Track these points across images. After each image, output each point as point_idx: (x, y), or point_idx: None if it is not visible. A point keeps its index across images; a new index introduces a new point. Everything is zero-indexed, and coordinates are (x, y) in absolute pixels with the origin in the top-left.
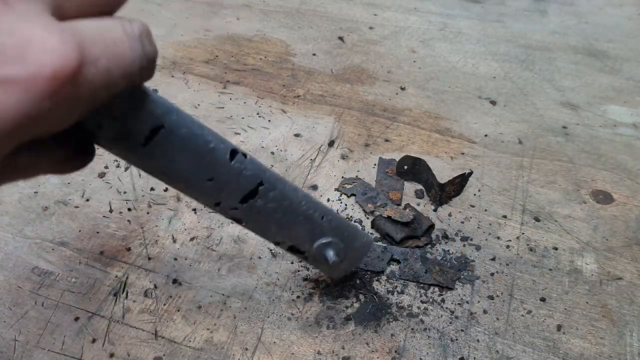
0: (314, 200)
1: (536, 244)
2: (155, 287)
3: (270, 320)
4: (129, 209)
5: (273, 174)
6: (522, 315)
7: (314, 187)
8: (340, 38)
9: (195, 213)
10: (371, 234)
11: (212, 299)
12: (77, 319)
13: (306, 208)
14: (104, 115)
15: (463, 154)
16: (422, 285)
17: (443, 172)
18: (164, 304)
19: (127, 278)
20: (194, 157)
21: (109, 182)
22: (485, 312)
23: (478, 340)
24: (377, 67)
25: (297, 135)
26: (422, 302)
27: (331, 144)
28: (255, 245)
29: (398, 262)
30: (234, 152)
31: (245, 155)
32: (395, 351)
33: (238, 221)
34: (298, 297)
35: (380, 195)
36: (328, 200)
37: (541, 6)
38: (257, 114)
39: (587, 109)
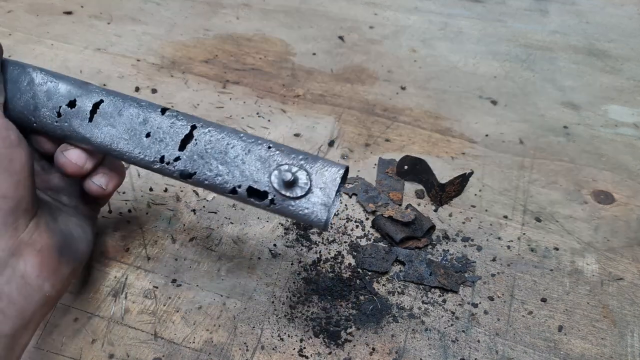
0: (253, 135)
1: (537, 244)
2: (155, 287)
3: (270, 321)
4: (129, 210)
5: (206, 120)
6: (523, 316)
7: None
8: (341, 37)
9: (195, 213)
10: (371, 234)
11: (211, 300)
12: (76, 319)
13: (246, 138)
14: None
15: (464, 153)
16: (422, 286)
17: (444, 172)
18: (164, 305)
19: (126, 279)
20: (131, 118)
21: None
22: (486, 312)
23: (479, 341)
24: (378, 67)
25: (297, 135)
26: (422, 302)
27: (331, 143)
28: (255, 245)
29: (403, 263)
30: (165, 109)
31: (176, 110)
32: (396, 352)
33: (187, 176)
34: (298, 297)
35: (381, 195)
36: None
37: (542, 6)
38: (257, 113)
39: (588, 108)
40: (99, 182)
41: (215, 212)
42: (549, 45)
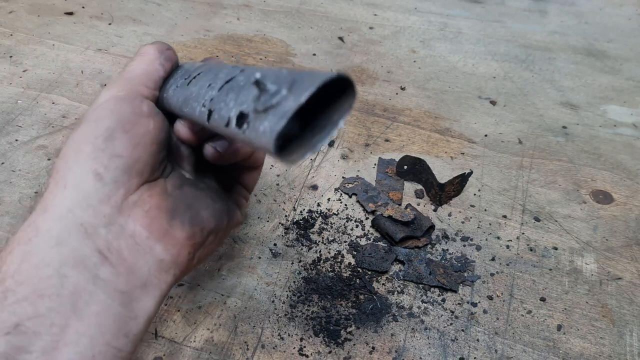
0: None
1: (536, 244)
2: None
3: (270, 320)
4: None
5: (266, 67)
6: (522, 315)
7: (314, 187)
8: (341, 38)
9: None
10: (371, 233)
11: (212, 299)
12: None
13: (268, 69)
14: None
15: (463, 153)
16: (422, 285)
17: (443, 172)
18: (165, 304)
19: None
20: (210, 77)
21: None
22: (485, 312)
23: (478, 340)
24: (377, 67)
25: None
26: (422, 302)
27: (331, 144)
28: (256, 245)
29: (402, 263)
30: (248, 68)
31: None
32: (395, 351)
33: (209, 114)
34: (298, 297)
35: (381, 195)
36: (328, 200)
37: (541, 6)
38: None
39: (587, 109)
40: (213, 144)
41: None
42: (548, 46)
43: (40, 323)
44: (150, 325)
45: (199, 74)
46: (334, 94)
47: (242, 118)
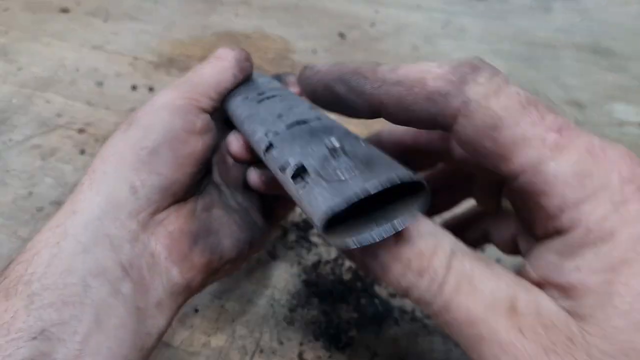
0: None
1: None
2: None
3: (269, 324)
4: None
5: (344, 128)
6: None
7: None
8: (341, 35)
9: None
10: None
11: (209, 303)
12: None
13: (344, 131)
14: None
15: None
16: None
17: None
18: None
19: None
20: (284, 105)
21: None
22: None
23: None
24: None
25: None
26: None
27: None
28: None
29: None
30: (320, 114)
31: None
32: (398, 356)
33: (268, 147)
34: (297, 300)
35: None
36: None
37: (545, 3)
38: None
39: (593, 107)
40: (260, 171)
41: None
42: (553, 43)
43: (64, 330)
44: None
45: (273, 96)
46: (404, 192)
47: (301, 172)
